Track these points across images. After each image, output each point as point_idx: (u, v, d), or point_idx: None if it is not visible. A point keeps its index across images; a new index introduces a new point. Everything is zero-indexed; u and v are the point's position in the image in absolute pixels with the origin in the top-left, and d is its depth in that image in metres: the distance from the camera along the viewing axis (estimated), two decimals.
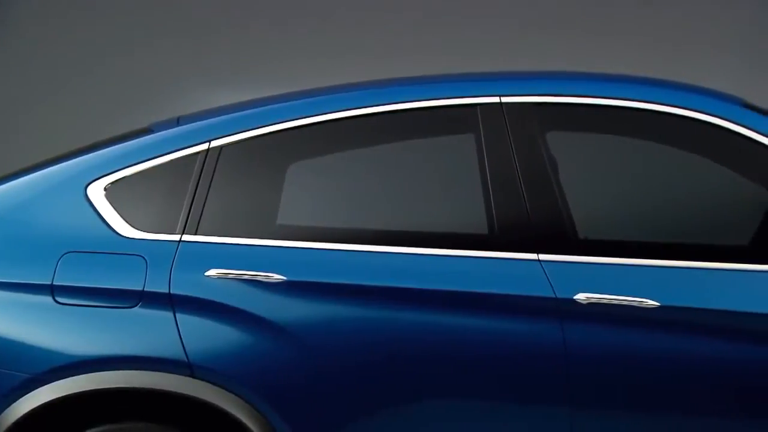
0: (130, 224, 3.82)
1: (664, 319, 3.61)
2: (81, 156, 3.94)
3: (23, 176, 3.91)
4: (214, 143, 3.89)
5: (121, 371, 3.70)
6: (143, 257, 3.77)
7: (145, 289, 3.73)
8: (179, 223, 3.81)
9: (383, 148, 3.91)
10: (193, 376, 3.70)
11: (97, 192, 3.86)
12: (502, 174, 3.75)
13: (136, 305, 3.73)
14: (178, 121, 4.06)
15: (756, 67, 6.88)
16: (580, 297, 3.65)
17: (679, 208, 3.82)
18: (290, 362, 3.69)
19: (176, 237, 3.80)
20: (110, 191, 3.86)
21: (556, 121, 3.82)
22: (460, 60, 6.10)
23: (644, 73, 4.38)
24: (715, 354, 3.59)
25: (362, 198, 3.90)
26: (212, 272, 3.75)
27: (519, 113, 3.81)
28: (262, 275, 3.74)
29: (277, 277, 3.73)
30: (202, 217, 3.81)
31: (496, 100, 3.84)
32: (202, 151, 3.88)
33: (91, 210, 3.83)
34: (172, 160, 3.88)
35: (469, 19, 7.19)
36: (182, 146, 3.90)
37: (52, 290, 3.73)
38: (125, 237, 3.80)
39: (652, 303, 3.62)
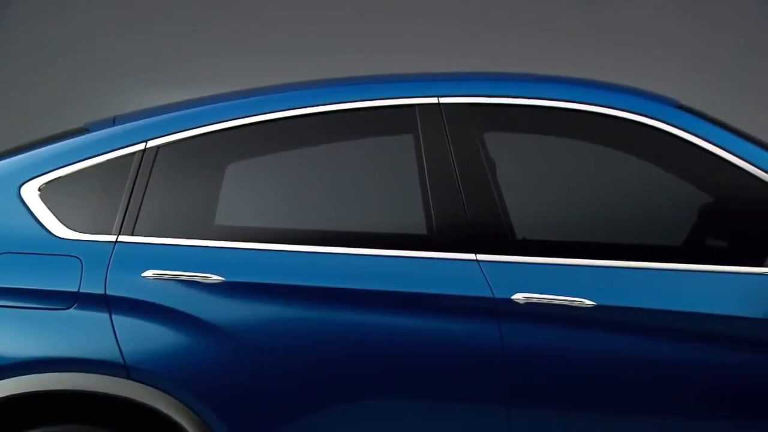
0: (65, 225, 3.79)
1: (601, 318, 3.64)
2: (15, 156, 3.91)
3: None
4: (151, 143, 3.86)
5: (56, 373, 3.66)
6: (78, 258, 3.74)
7: (80, 291, 3.70)
8: (115, 224, 3.79)
9: (322, 149, 3.91)
10: (129, 377, 3.68)
11: (31, 192, 3.82)
12: (441, 174, 3.76)
13: (72, 307, 3.70)
14: (114, 121, 4.03)
15: (691, 69, 6.95)
16: (518, 297, 3.67)
17: (614, 209, 3.86)
18: (228, 363, 3.68)
19: (112, 238, 3.77)
20: (45, 191, 3.83)
21: (493, 121, 3.83)
22: (399, 60, 6.10)
23: (582, 74, 4.41)
24: (651, 353, 3.62)
25: (301, 198, 3.89)
26: (149, 273, 3.73)
27: (457, 114, 3.83)
28: (199, 276, 3.72)
29: (215, 277, 3.72)
30: (139, 218, 3.79)
31: (434, 100, 3.85)
32: (139, 151, 3.86)
33: (25, 210, 3.80)
34: (108, 160, 3.85)
35: (409, 19, 7.19)
36: (118, 146, 3.87)
37: None
38: (60, 238, 3.77)
39: (588, 303, 3.65)
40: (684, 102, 3.93)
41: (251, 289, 3.71)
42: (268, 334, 3.69)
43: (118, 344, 3.67)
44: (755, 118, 6.23)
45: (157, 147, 3.86)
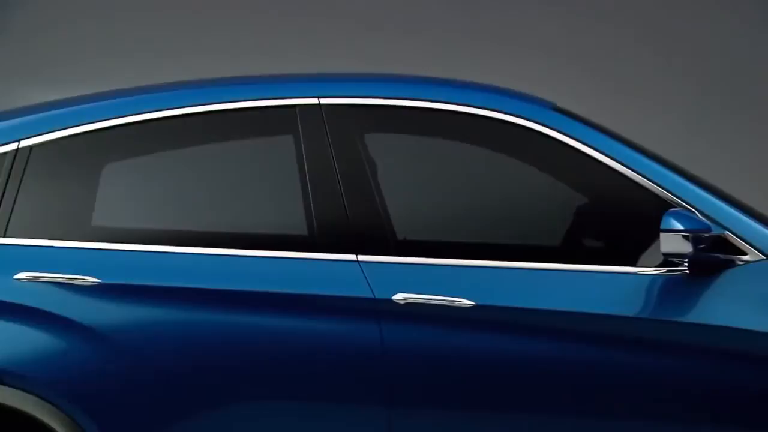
0: None
1: (480, 318, 3.68)
2: None
3: None
4: (24, 143, 3.81)
5: None
6: None
7: None
8: None
9: (201, 149, 3.88)
10: (1, 382, 3.61)
11: None
12: (322, 175, 3.77)
13: None
14: None
15: (571, 71, 7.05)
16: (398, 297, 3.68)
17: (494, 210, 3.90)
18: (103, 366, 3.65)
19: None
20: None
21: (374, 122, 3.85)
22: (279, 60, 6.09)
23: (462, 76, 4.45)
24: (529, 352, 3.67)
25: (180, 199, 3.86)
26: (22, 275, 3.68)
27: (337, 115, 3.83)
28: (75, 278, 3.67)
29: (91, 279, 3.67)
30: (11, 219, 3.73)
31: (314, 101, 3.85)
32: (11, 151, 3.80)
33: None
34: None
35: (287, 18, 7.18)
36: None
37: None
38: None
39: (467, 302, 3.68)
40: (561, 104, 4.00)
41: (129, 291, 3.67)
42: (144, 337, 3.66)
43: None
44: (636, 119, 6.37)
45: (30, 147, 3.81)
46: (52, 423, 3.64)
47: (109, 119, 3.83)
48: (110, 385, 3.64)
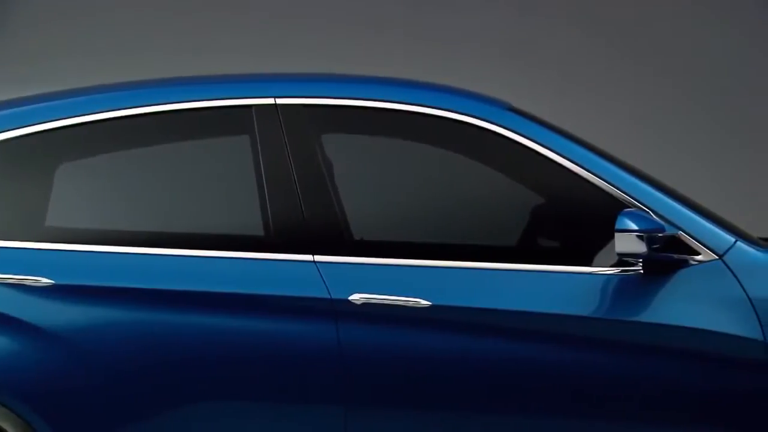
0: None
1: (436, 318, 3.69)
2: None
3: None
4: None
5: None
6: None
7: None
8: None
9: (157, 149, 3.86)
10: None
11: None
12: (278, 176, 3.76)
13: None
14: None
15: (525, 72, 7.08)
16: (355, 297, 3.69)
17: (450, 210, 3.91)
18: (57, 367, 3.63)
19: None
20: None
21: (330, 122, 3.85)
22: (233, 60, 6.07)
23: (419, 76, 4.45)
24: (485, 352, 3.68)
25: (136, 199, 3.85)
26: None
27: (294, 115, 3.83)
28: (27, 279, 3.63)
29: (44, 280, 3.65)
30: None
31: (270, 101, 3.84)
32: None
33: None
34: None
35: (244, 18, 7.16)
36: None
37: None
38: None
39: (424, 302, 3.69)
40: (517, 104, 4.02)
41: (82, 292, 3.65)
42: (98, 338, 3.65)
43: None
44: (590, 119, 6.40)
45: None
46: (5, 425, 3.62)
47: (63, 119, 3.81)
48: (64, 386, 3.63)
